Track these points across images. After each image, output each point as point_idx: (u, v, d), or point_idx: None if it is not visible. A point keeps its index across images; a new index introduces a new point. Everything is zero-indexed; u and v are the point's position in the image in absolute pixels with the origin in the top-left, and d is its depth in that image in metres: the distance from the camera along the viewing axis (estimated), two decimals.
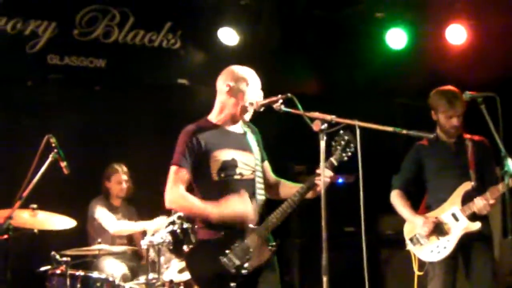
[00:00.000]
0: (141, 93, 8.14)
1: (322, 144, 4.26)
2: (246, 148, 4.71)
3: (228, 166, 4.58)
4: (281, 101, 4.56)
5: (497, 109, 4.95)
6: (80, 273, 6.21)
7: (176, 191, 4.54)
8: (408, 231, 5.78)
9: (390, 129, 4.25)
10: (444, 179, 5.66)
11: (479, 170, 5.64)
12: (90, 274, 6.27)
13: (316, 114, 4.34)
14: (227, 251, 4.53)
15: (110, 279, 6.29)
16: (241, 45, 8.08)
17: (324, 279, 4.11)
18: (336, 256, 4.36)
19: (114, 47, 7.83)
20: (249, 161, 4.67)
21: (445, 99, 5.63)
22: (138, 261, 7.21)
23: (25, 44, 7.53)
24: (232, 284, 4.50)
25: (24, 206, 5.88)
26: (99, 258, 6.83)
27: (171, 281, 6.07)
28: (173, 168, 4.61)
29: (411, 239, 5.71)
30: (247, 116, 4.77)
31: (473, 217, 5.49)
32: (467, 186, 5.55)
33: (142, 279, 6.41)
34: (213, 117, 4.82)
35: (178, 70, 8.30)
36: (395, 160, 6.05)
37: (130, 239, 7.38)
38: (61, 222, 6.23)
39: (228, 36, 8.04)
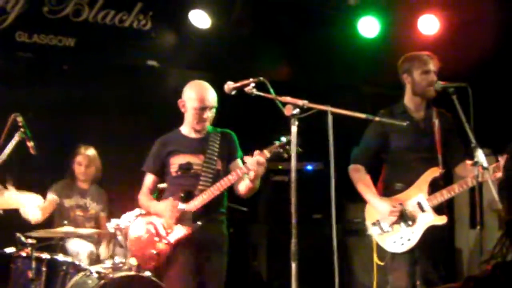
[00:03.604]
0: (110, 74, 8.04)
1: (294, 129, 4.26)
2: (200, 152, 5.50)
3: (183, 168, 5.46)
4: (253, 84, 4.61)
5: (468, 100, 4.93)
6: (46, 256, 6.15)
7: (141, 193, 5.65)
8: (369, 214, 5.61)
9: (362, 115, 4.25)
10: (410, 160, 5.52)
11: (446, 152, 5.54)
12: (56, 257, 6.22)
13: (288, 99, 4.35)
14: (157, 222, 5.42)
15: (76, 262, 6.25)
16: (213, 28, 7.99)
17: (293, 265, 4.11)
18: (303, 243, 4.35)
19: (84, 26, 7.69)
20: (200, 162, 5.46)
21: (420, 56, 5.58)
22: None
23: None
24: (153, 251, 5.35)
25: None
26: (65, 240, 6.74)
27: (138, 265, 6.02)
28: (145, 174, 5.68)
29: (373, 224, 5.55)
30: (204, 127, 5.53)
31: (438, 208, 5.37)
32: (434, 172, 5.41)
33: (108, 263, 6.35)
34: (182, 127, 5.65)
35: (148, 51, 8.20)
36: None
37: (97, 223, 7.30)
38: (28, 199, 6.16)
39: (200, 18, 7.94)
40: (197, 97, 5.41)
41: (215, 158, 5.49)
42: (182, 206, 5.34)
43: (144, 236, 5.47)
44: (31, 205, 6.48)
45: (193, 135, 5.57)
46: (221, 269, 5.47)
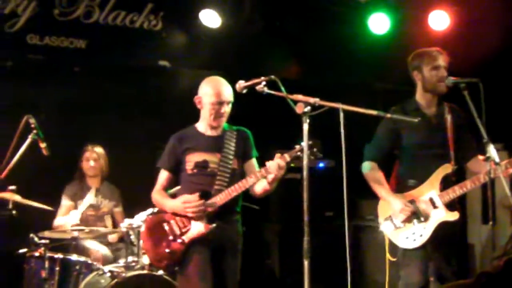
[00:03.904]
0: (122, 75, 8.06)
1: (305, 127, 4.26)
2: (216, 150, 5.44)
3: (199, 165, 5.40)
4: (264, 83, 4.61)
5: (480, 95, 4.92)
6: (59, 255, 6.19)
7: (154, 190, 5.54)
8: (382, 210, 5.59)
9: (374, 112, 4.25)
10: (422, 156, 5.49)
11: (459, 148, 5.52)
12: (69, 257, 6.25)
13: (299, 97, 4.35)
14: (171, 220, 5.36)
15: (89, 261, 6.28)
16: (223, 27, 8.00)
17: (305, 262, 4.11)
18: (316, 241, 4.36)
19: (94, 27, 7.71)
20: (217, 160, 5.40)
21: (429, 52, 5.55)
22: (118, 244, 7.16)
23: (4, 23, 7.40)
24: (167, 250, 5.31)
25: (3, 187, 5.84)
26: (79, 240, 6.79)
27: (150, 264, 6.04)
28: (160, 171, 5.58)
29: (386, 220, 5.54)
30: (220, 123, 5.47)
31: (450, 204, 5.36)
32: (447, 169, 5.39)
33: (121, 262, 6.40)
34: (198, 124, 5.57)
35: (159, 51, 8.22)
36: None
37: (113, 219, 7.35)
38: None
39: (210, 18, 7.95)
40: (214, 92, 5.36)
41: (231, 157, 5.44)
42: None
43: (157, 235, 5.39)
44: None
45: (209, 132, 5.50)
46: (235, 268, 5.44)
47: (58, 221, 7.02)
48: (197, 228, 5.27)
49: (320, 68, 8.82)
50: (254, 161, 5.58)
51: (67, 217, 6.97)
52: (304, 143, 4.30)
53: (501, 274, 2.37)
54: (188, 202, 5.27)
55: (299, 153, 4.93)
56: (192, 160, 5.41)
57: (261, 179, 5.26)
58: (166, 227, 5.37)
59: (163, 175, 5.56)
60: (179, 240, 5.30)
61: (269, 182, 5.22)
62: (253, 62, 8.19)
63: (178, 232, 5.32)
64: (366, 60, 8.51)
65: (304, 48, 8.64)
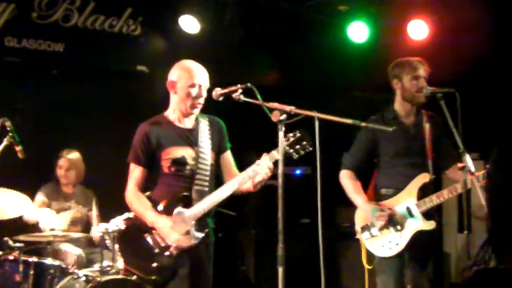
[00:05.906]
0: (100, 79, 8.05)
1: (281, 134, 4.27)
2: (192, 143, 4.99)
3: (178, 163, 4.93)
4: (240, 90, 4.60)
5: (456, 105, 4.94)
6: (33, 259, 6.14)
7: (130, 190, 5.00)
8: (359, 219, 5.62)
9: (349, 121, 4.25)
10: (400, 165, 5.52)
11: (438, 156, 5.56)
12: (43, 261, 6.21)
13: (275, 105, 4.34)
14: (153, 231, 4.88)
15: (63, 266, 6.24)
16: (202, 33, 8.01)
17: (280, 270, 4.11)
18: (291, 248, 4.36)
19: (73, 31, 7.71)
20: (194, 155, 4.97)
21: (410, 61, 5.57)
22: (93, 248, 7.12)
23: None
24: (154, 264, 4.82)
25: None
26: (54, 243, 6.74)
27: (125, 269, 6.00)
28: (130, 166, 5.05)
29: (362, 228, 5.56)
30: (196, 111, 5.06)
31: (427, 213, 5.39)
32: (424, 178, 5.43)
33: (96, 266, 6.37)
34: (169, 113, 5.12)
35: (138, 56, 8.23)
36: None
37: (86, 226, 7.30)
38: (17, 202, 6.18)
39: (189, 24, 7.96)
40: (192, 74, 4.96)
41: (209, 151, 5.05)
42: (187, 212, 4.85)
43: (139, 246, 4.92)
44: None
45: (182, 123, 5.05)
46: (210, 273, 5.12)
47: (31, 213, 6.85)
48: (185, 239, 4.82)
49: (299, 76, 8.85)
50: (229, 153, 5.23)
51: (42, 212, 6.86)
52: (280, 152, 4.29)
53: (470, 285, 2.38)
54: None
55: (287, 148, 4.52)
56: (168, 156, 4.93)
57: (249, 179, 4.84)
58: (149, 238, 4.89)
59: (137, 172, 4.99)
60: (166, 253, 4.83)
61: (255, 184, 4.87)
62: (232, 69, 8.19)
63: (163, 243, 4.86)
64: (345, 68, 8.55)
65: (283, 55, 8.66)
